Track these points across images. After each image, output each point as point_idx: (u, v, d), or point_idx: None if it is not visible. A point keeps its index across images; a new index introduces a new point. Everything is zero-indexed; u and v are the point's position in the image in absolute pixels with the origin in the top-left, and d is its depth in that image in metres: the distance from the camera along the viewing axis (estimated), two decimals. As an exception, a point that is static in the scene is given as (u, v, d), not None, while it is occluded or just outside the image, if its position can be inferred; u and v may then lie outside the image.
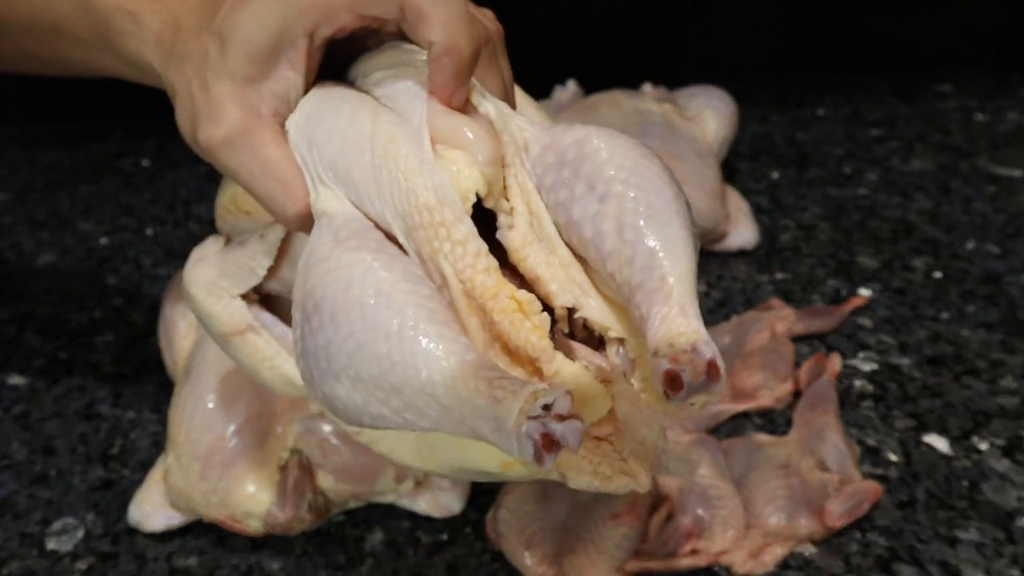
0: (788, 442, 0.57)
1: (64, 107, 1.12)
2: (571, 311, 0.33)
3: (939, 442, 0.58)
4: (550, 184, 0.34)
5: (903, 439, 0.59)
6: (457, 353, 0.29)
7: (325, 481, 0.52)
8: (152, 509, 0.53)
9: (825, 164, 1.00)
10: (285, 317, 0.43)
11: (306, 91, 0.38)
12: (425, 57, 0.35)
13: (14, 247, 0.88)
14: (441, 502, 0.53)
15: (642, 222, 0.31)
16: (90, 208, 0.95)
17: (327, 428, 0.52)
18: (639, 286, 0.30)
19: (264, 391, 0.52)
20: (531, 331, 0.31)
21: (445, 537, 0.52)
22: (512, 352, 0.32)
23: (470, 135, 0.34)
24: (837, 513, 0.51)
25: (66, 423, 0.63)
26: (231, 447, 0.51)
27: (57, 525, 0.54)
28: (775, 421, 0.61)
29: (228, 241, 0.44)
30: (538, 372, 0.31)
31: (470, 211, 0.33)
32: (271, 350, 0.42)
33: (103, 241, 0.88)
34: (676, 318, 0.29)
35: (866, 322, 0.71)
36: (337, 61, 0.39)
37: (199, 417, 0.52)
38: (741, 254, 0.82)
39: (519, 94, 0.45)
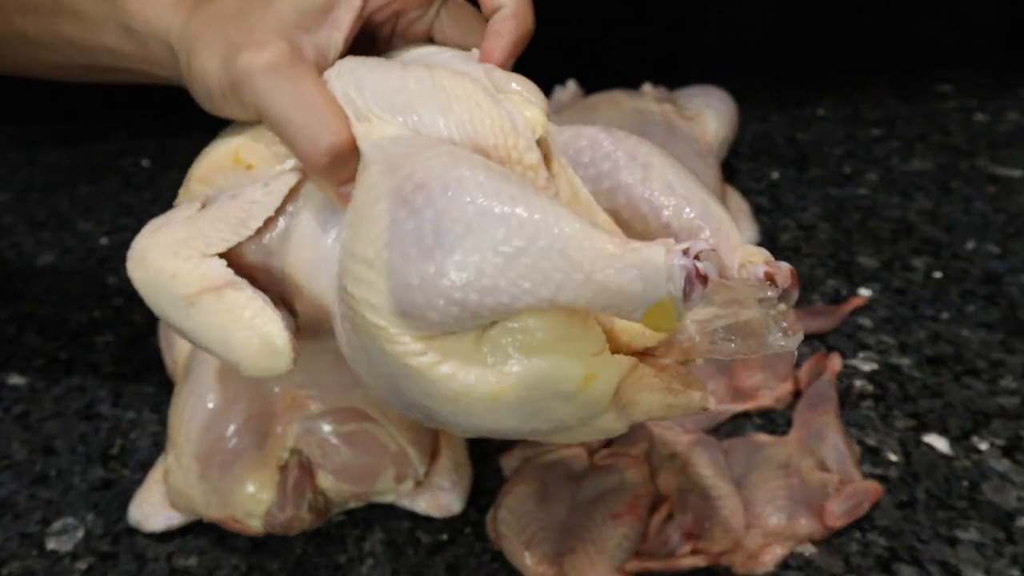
0: (788, 442, 0.57)
1: (64, 107, 1.12)
2: None
3: (939, 442, 0.58)
4: (588, 160, 0.38)
5: (903, 439, 0.59)
6: (581, 218, 0.30)
7: (325, 481, 0.52)
8: (152, 509, 0.53)
9: (825, 164, 1.00)
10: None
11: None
12: (448, 55, 0.39)
13: (14, 247, 0.88)
14: (441, 502, 0.53)
15: (687, 182, 0.37)
16: (90, 208, 0.95)
17: (327, 428, 0.52)
18: (700, 228, 0.36)
19: (264, 391, 0.52)
20: None
21: (445, 537, 0.52)
22: None
23: (523, 88, 0.37)
24: (837, 513, 0.51)
25: (66, 423, 0.63)
26: (231, 447, 0.51)
27: (57, 525, 0.54)
28: (775, 421, 0.61)
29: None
30: None
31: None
32: (254, 307, 0.37)
33: (103, 241, 0.88)
34: (745, 246, 0.35)
35: (866, 322, 0.71)
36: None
37: (199, 417, 0.52)
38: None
39: None
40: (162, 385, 0.65)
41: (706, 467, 0.54)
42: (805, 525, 0.51)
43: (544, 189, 0.34)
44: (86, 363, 0.69)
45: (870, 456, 0.57)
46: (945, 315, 0.72)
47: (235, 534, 0.52)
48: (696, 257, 0.28)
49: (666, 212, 0.36)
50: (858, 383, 0.64)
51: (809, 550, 0.51)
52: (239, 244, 0.38)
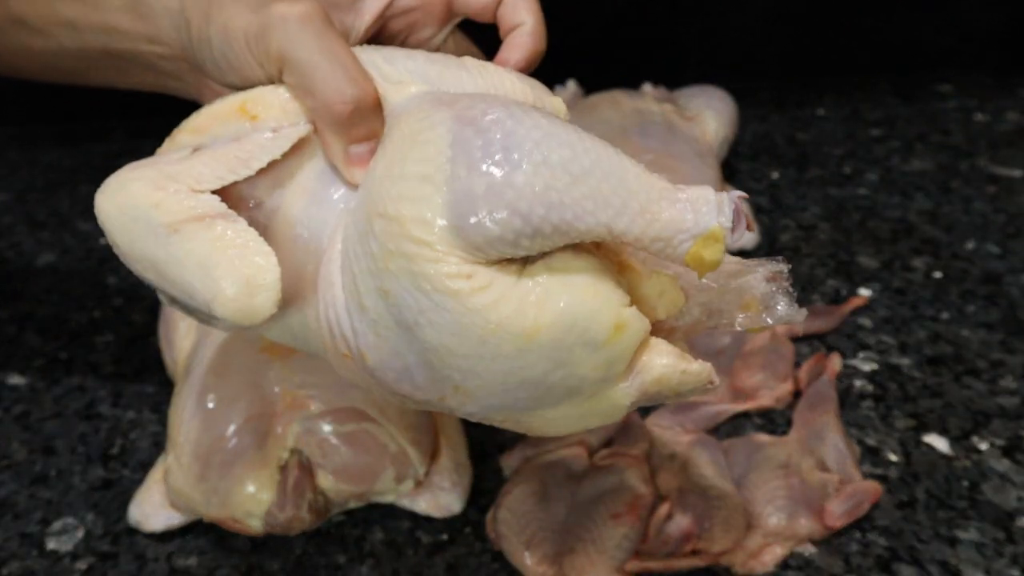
0: (788, 442, 0.57)
1: (64, 107, 1.12)
2: None
3: (939, 442, 0.59)
4: None
5: (903, 439, 0.59)
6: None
7: (325, 481, 0.52)
8: (152, 509, 0.53)
9: (825, 164, 1.00)
10: None
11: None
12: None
13: (14, 247, 0.88)
14: (441, 502, 0.53)
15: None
16: (90, 208, 0.94)
17: (327, 428, 0.52)
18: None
19: (264, 391, 0.52)
20: None
21: (445, 537, 0.52)
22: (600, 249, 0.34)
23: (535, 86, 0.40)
24: (837, 513, 0.51)
25: (66, 423, 0.63)
26: (231, 447, 0.51)
27: (57, 525, 0.54)
28: (775, 421, 0.61)
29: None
30: (624, 267, 0.34)
31: None
32: (246, 236, 0.34)
33: (103, 241, 0.88)
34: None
35: (866, 322, 0.71)
36: None
37: (199, 417, 0.52)
38: (741, 254, 0.82)
39: None
40: (162, 385, 0.65)
41: (706, 467, 0.54)
42: (805, 525, 0.51)
43: None
44: (86, 363, 0.69)
45: (870, 456, 0.57)
46: (945, 315, 0.72)
47: (235, 534, 0.52)
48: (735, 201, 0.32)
49: None
50: (858, 383, 0.64)
51: (809, 550, 0.51)
52: (232, 185, 0.36)
